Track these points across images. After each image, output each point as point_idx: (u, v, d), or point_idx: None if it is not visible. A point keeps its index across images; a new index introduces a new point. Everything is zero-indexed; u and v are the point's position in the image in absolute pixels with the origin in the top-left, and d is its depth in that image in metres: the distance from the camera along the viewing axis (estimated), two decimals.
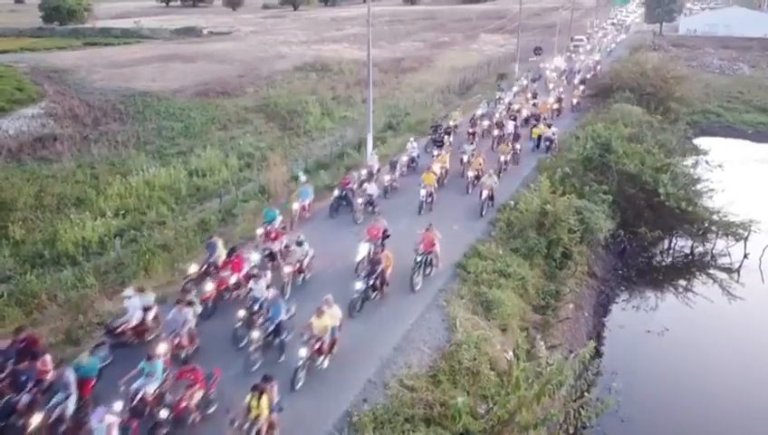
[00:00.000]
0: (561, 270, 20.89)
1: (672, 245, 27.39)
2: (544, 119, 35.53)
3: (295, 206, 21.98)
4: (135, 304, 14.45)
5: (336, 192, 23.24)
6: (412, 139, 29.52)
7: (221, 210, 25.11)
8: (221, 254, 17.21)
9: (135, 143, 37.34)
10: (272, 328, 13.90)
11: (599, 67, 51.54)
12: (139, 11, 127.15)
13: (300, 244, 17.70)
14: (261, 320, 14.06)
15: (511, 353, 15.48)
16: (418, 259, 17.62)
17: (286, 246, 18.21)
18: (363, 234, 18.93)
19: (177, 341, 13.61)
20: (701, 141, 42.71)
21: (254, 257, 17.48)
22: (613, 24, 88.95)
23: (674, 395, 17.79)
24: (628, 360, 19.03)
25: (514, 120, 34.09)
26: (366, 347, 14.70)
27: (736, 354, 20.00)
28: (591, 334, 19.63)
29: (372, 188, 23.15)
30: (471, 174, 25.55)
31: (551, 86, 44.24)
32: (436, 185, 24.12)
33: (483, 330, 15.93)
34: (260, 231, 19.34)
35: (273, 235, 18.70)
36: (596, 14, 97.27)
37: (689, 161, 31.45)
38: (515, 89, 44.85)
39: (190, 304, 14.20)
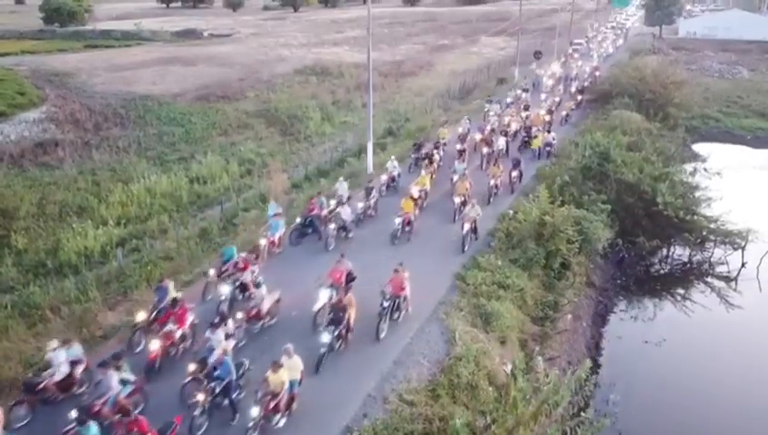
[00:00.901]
0: (559, 281, 21.04)
1: (670, 253, 27.53)
2: (538, 131, 33.70)
3: (263, 241, 19.77)
4: (60, 358, 13.18)
5: (299, 219, 21.34)
6: (393, 157, 27.46)
7: (222, 219, 25.28)
8: (172, 298, 15.86)
9: (136, 149, 37.55)
10: (219, 388, 12.64)
11: (597, 73, 51.02)
12: (139, 12, 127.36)
13: (257, 286, 16.12)
14: (206, 381, 12.69)
15: (510, 367, 15.70)
16: (385, 304, 15.76)
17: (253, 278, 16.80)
18: (324, 278, 16.83)
19: (102, 408, 12.27)
20: (700, 147, 42.86)
21: (224, 290, 16.37)
22: (612, 27, 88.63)
23: (672, 406, 17.94)
24: (627, 371, 19.18)
25: (506, 135, 32.34)
26: (325, 404, 13.45)
27: (734, 364, 20.14)
28: (590, 345, 19.84)
29: (346, 213, 21.54)
30: (457, 200, 23.24)
31: (542, 96, 41.93)
32: (416, 212, 22.13)
33: (482, 343, 16.09)
34: (212, 272, 17.59)
35: (242, 264, 17.35)
36: (596, 16, 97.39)
37: (688, 169, 31.58)
38: (508, 99, 42.68)
39: (118, 368, 12.77)
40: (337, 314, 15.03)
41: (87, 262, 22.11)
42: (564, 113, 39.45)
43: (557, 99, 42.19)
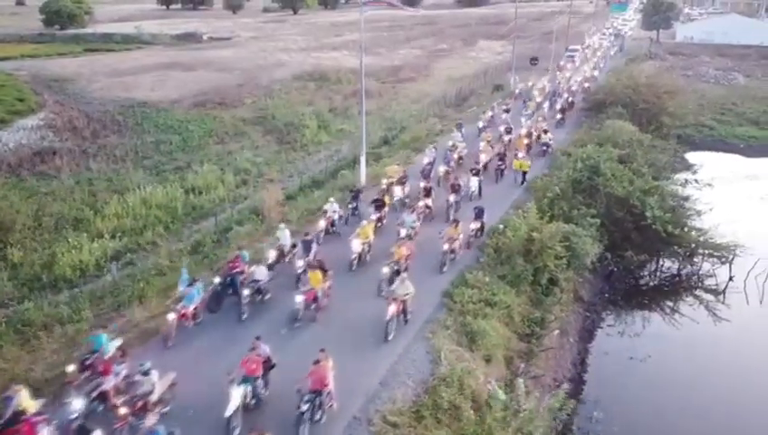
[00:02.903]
0: (547, 296, 21.31)
1: (659, 267, 27.83)
2: (515, 156, 30.62)
3: (171, 316, 16.38)
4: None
5: (217, 279, 18.37)
6: (332, 199, 24.30)
7: (216, 232, 25.54)
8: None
9: (133, 158, 37.81)
10: None
11: (586, 84, 50.30)
12: (139, 14, 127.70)
13: (145, 373, 13.32)
14: None
15: (494, 386, 16.01)
16: (303, 407, 12.72)
17: (126, 377, 13.88)
18: (236, 370, 13.57)
19: None
20: (693, 156, 43.15)
21: (76, 406, 12.80)
22: (609, 33, 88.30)
23: (655, 423, 18.24)
24: (612, 388, 19.51)
25: (477, 173, 27.80)
26: None
27: (721, 378, 20.52)
28: (576, 362, 20.17)
29: (261, 273, 18.41)
30: (385, 270, 18.94)
31: (522, 120, 38.16)
32: (325, 284, 18.07)
33: (467, 362, 16.38)
34: (71, 368, 14.04)
35: (101, 367, 14.00)
36: (593, 20, 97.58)
37: (679, 180, 31.92)
38: (480, 124, 38.45)
39: None
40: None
41: (82, 276, 22.39)
42: (536, 134, 35.64)
43: (541, 119, 39.26)
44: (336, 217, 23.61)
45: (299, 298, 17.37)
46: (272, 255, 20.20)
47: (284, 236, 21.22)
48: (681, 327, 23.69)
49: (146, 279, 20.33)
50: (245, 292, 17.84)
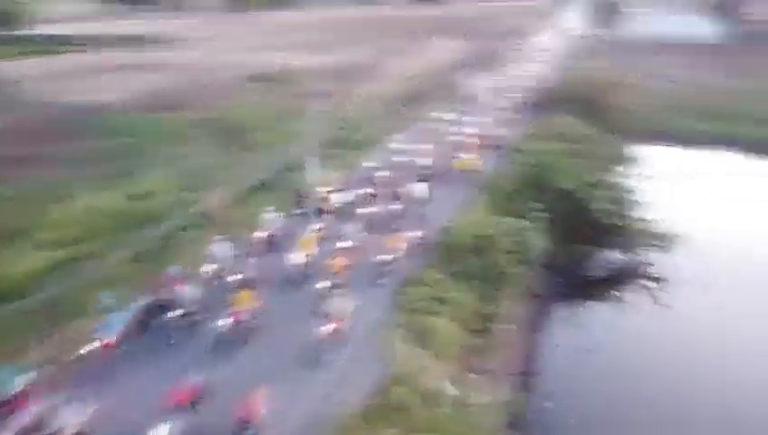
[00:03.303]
0: (497, 291, 21.57)
1: (606, 258, 28.54)
2: (461, 156, 30.34)
3: (93, 345, 15.39)
4: None
5: (144, 300, 17.22)
6: (270, 209, 23.18)
7: (163, 238, 24.95)
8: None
9: (78, 164, 36.62)
10: None
11: (534, 83, 51.03)
12: (83, 14, 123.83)
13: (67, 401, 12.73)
14: None
15: (446, 383, 16.15)
16: None
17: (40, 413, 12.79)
18: (164, 400, 12.80)
19: None
20: (638, 149, 44.36)
21: None
22: (556, 31, 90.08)
23: (605, 410, 18.72)
24: (562, 378, 19.92)
25: (423, 178, 26.88)
26: None
27: (665, 362, 21.24)
28: (527, 354, 20.49)
29: (191, 292, 17.10)
30: (322, 286, 18.03)
31: (472, 120, 38.07)
32: (253, 306, 16.99)
33: (420, 360, 16.46)
34: None
35: (12, 403, 12.90)
36: (544, 18, 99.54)
37: (623, 173, 32.84)
38: (429, 125, 37.47)
39: None
40: None
41: (24, 288, 21.51)
42: (491, 135, 35.51)
43: (489, 119, 39.43)
44: (276, 227, 22.45)
45: (225, 321, 16.08)
46: (207, 271, 18.71)
47: (222, 250, 19.55)
48: (627, 315, 24.44)
49: (91, 288, 19.63)
50: (174, 314, 16.46)
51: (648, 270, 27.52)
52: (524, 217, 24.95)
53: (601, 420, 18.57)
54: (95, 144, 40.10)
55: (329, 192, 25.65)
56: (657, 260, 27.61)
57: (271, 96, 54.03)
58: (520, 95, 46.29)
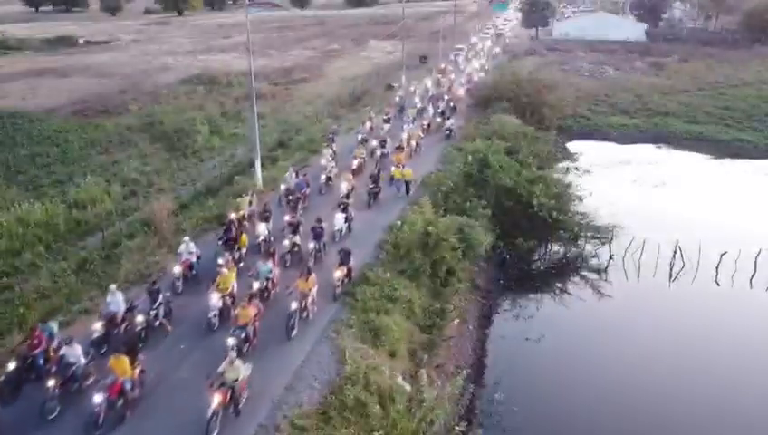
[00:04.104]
0: (445, 287, 22.09)
1: (547, 251, 29.59)
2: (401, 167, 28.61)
3: None
4: None
5: (13, 363, 14.38)
6: (186, 239, 20.35)
7: (103, 247, 24.18)
8: None
9: (5, 173, 34.93)
10: None
11: (468, 86, 50.60)
12: (6, 17, 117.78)
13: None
14: None
15: (399, 380, 16.40)
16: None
17: None
18: None
19: None
20: (573, 145, 46.18)
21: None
22: (490, 33, 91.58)
23: (552, 399, 19.43)
24: (510, 369, 20.49)
25: (344, 208, 23.73)
26: None
27: (607, 349, 22.18)
28: (476, 348, 21.04)
29: (74, 352, 14.36)
30: (231, 342, 15.05)
31: (404, 127, 36.10)
32: (135, 373, 14.07)
33: (372, 359, 16.64)
34: None
35: None
36: (478, 19, 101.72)
37: (561, 169, 34.09)
38: (359, 136, 34.92)
39: None
40: None
41: None
42: (414, 143, 34.11)
43: (425, 122, 38.82)
44: (194, 258, 19.93)
45: (98, 397, 13.14)
46: (98, 326, 15.85)
47: (116, 299, 16.57)
48: (570, 306, 25.35)
49: (26, 304, 18.81)
50: (51, 382, 13.56)
51: (587, 260, 28.62)
52: (468, 214, 25.57)
53: (545, 405, 19.24)
54: (23, 152, 38.31)
55: (237, 219, 22.83)
56: (595, 251, 28.75)
57: (210, 99, 53.01)
58: (450, 101, 44.93)
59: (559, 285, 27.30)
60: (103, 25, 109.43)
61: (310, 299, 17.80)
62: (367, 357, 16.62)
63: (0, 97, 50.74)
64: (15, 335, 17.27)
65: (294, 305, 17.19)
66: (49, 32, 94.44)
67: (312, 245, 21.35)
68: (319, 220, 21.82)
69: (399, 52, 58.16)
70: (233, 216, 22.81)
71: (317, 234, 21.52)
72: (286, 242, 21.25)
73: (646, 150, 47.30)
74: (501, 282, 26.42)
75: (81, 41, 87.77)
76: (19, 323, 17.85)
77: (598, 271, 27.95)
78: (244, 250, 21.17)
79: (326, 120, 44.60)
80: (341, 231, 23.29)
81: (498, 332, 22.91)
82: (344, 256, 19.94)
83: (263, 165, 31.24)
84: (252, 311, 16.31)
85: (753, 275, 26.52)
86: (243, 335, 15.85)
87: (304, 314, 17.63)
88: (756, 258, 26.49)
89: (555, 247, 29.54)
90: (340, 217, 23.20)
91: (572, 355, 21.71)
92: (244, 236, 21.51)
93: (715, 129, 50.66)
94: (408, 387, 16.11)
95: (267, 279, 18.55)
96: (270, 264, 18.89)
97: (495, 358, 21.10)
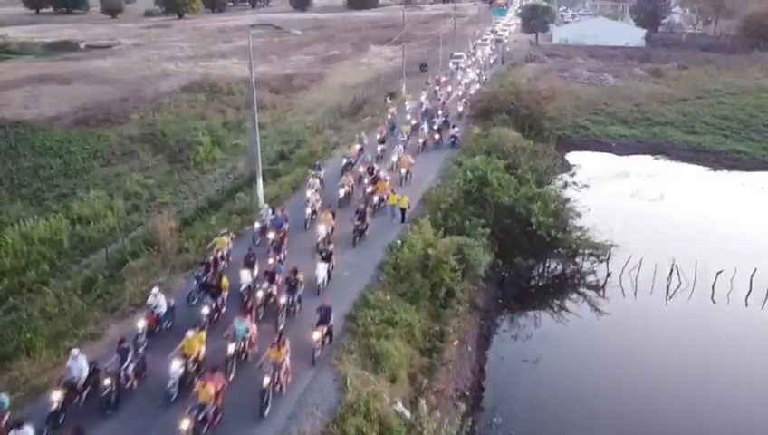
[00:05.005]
0: (445, 309, 22.35)
1: (546, 269, 29.84)
2: (381, 201, 27.57)
3: None
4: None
5: None
6: (155, 290, 18.57)
7: (107, 266, 24.44)
8: None
9: (9, 186, 35.30)
10: None
11: (464, 100, 49.02)
12: (7, 19, 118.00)
13: None
14: None
15: (399, 406, 16.73)
16: None
17: None
18: None
19: None
20: (572, 157, 46.48)
21: None
22: (491, 39, 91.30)
23: (551, 422, 19.74)
24: (509, 392, 20.81)
25: (325, 257, 21.27)
26: None
27: (605, 370, 22.44)
28: (474, 370, 21.30)
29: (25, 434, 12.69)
30: (183, 426, 13.47)
31: (397, 148, 34.44)
32: None
33: (373, 385, 16.94)
34: None
35: None
36: (478, 23, 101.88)
37: (559, 183, 34.39)
38: (345, 160, 32.39)
39: None
40: None
41: None
42: (404, 171, 31.65)
43: (421, 140, 37.36)
44: (162, 310, 18.26)
45: None
46: (55, 398, 14.26)
47: (78, 365, 15.07)
48: (568, 324, 25.67)
49: (33, 328, 19.07)
50: None
51: (585, 278, 28.92)
52: (467, 233, 25.87)
53: (543, 429, 19.54)
54: (26, 164, 38.66)
55: (213, 259, 21.29)
56: (593, 268, 29.05)
57: (212, 108, 53.32)
58: (444, 116, 42.84)
59: (557, 302, 27.60)
60: (104, 29, 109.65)
61: (283, 370, 15.74)
62: (368, 384, 16.92)
63: (2, 105, 51.08)
64: (23, 360, 17.54)
65: (267, 381, 15.06)
66: (50, 35, 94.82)
67: (283, 299, 18.96)
68: (294, 271, 19.56)
69: (400, 57, 58.29)
70: (210, 257, 21.30)
71: (291, 286, 19.26)
72: (260, 294, 19.17)
73: (644, 162, 47.54)
74: (500, 301, 26.72)
75: (82, 45, 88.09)
76: (26, 350, 18.11)
77: (596, 288, 28.26)
78: (225, 294, 19.29)
79: (327, 131, 44.83)
80: (324, 283, 20.84)
81: (497, 353, 23.19)
82: (324, 314, 17.86)
83: (264, 179, 31.46)
84: (213, 388, 14.25)
85: (748, 294, 26.84)
86: (201, 417, 13.87)
87: (277, 388, 15.65)
88: (752, 277, 26.82)
89: (553, 265, 29.81)
90: (321, 268, 20.69)
91: (570, 376, 22.00)
92: (225, 280, 19.43)
93: (713, 139, 50.94)
94: (408, 414, 16.45)
95: (243, 339, 16.79)
96: (248, 321, 17.07)
97: (494, 381, 21.37)
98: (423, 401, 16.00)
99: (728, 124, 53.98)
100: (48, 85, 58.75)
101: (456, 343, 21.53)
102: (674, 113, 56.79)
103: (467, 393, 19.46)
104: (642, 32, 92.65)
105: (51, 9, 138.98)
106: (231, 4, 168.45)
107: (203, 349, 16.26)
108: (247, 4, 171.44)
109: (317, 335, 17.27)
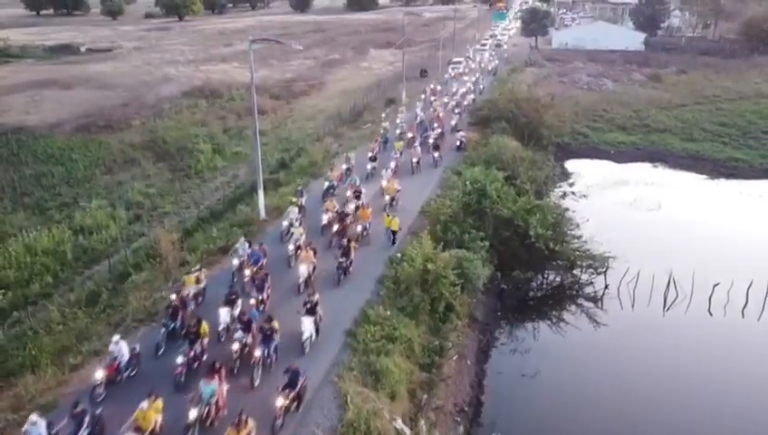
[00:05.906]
0: (444, 323, 22.57)
1: (544, 281, 30.08)
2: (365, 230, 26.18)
3: None
4: None
5: None
6: (116, 338, 17.00)
7: (110, 279, 24.68)
8: None
9: (11, 195, 35.49)
10: None
11: (458, 111, 47.61)
12: (7, 21, 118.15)
13: None
14: None
15: (399, 422, 16.98)
16: None
17: None
18: None
19: None
20: (571, 165, 46.71)
21: None
22: (490, 44, 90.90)
23: (550, 433, 20.04)
24: (507, 406, 21.08)
25: (310, 310, 18.94)
26: None
27: (602, 381, 22.74)
28: (473, 384, 21.57)
29: None
30: None
31: (391, 165, 33.01)
32: None
33: (373, 403, 17.19)
34: None
35: None
36: (477, 26, 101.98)
37: (558, 193, 34.62)
38: (327, 183, 30.71)
39: None
40: None
41: None
42: (388, 198, 29.59)
43: (415, 159, 35.35)
44: (125, 359, 16.75)
45: None
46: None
47: (38, 430, 13.65)
48: (566, 336, 25.92)
49: (38, 346, 19.25)
50: None
51: (583, 289, 29.18)
52: (466, 247, 26.11)
53: None
54: (28, 172, 38.83)
55: (179, 300, 19.35)
56: (591, 280, 29.31)
57: (213, 114, 53.53)
58: (440, 129, 41.79)
59: (555, 314, 27.85)
60: (104, 31, 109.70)
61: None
62: (368, 401, 17.17)
63: (4, 111, 51.23)
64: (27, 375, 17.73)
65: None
66: (51, 38, 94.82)
67: (258, 352, 17.08)
68: (269, 318, 17.93)
69: (400, 61, 58.31)
70: (175, 297, 19.19)
71: (266, 335, 17.44)
72: (236, 346, 17.31)
73: (643, 170, 47.75)
74: (498, 313, 26.97)
75: (82, 48, 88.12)
76: (31, 367, 18.33)
77: (594, 300, 28.51)
78: (206, 341, 17.52)
79: (327, 138, 45.04)
80: (311, 338, 18.72)
81: (496, 367, 23.43)
82: (292, 377, 15.93)
83: (265, 188, 31.58)
84: None
85: (744, 306, 27.10)
86: None
87: None
88: (748, 290, 27.09)
89: (552, 276, 30.04)
90: (307, 323, 18.56)
91: (569, 389, 22.26)
92: (205, 325, 17.63)
93: (712, 146, 51.14)
94: (408, 431, 16.71)
95: (209, 404, 14.90)
96: (215, 383, 15.10)
97: (493, 395, 21.62)
98: (422, 421, 16.23)
99: (726, 131, 54.21)
100: (49, 90, 58.85)
101: (455, 357, 21.76)
102: (672, 120, 57.02)
103: (466, 409, 19.72)
104: (641, 36, 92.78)
105: (51, 11, 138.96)
106: (231, 5, 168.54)
107: (159, 419, 14.35)
108: (247, 5, 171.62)
109: (280, 401, 15.12)
